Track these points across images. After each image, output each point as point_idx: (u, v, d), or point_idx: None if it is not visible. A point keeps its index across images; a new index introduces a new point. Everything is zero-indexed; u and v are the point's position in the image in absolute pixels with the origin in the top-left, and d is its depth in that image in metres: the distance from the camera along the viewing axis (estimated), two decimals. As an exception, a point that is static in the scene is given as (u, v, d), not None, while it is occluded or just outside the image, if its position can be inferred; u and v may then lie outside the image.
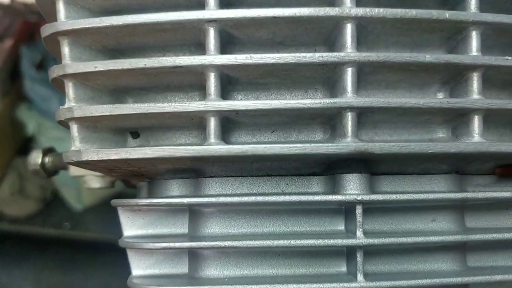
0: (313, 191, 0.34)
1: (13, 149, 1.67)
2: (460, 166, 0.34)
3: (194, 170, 0.33)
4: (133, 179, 0.42)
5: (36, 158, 0.50)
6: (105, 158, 0.30)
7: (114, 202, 0.35)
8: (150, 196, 0.36)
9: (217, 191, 0.34)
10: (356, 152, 0.30)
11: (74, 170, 0.50)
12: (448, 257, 0.34)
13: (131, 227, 0.35)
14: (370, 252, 0.33)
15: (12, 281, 1.68)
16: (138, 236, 0.35)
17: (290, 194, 0.33)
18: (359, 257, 0.31)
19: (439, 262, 0.34)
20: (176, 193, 0.34)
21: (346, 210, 0.34)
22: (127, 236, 0.35)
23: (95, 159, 0.30)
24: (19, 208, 1.60)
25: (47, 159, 0.51)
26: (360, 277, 0.31)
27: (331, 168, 0.33)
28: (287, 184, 0.34)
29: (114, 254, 2.03)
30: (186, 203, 0.32)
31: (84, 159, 0.30)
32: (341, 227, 0.34)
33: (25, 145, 1.67)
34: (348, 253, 0.34)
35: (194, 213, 0.34)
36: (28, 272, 1.70)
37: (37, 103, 1.54)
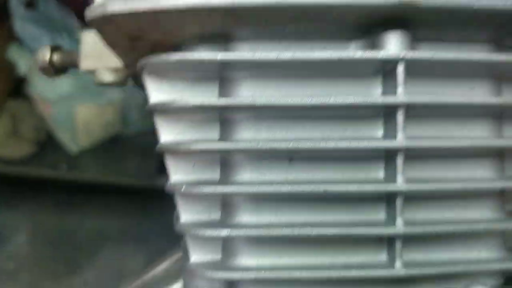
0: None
1: (5, 90, 1.65)
2: (500, 35, 0.33)
3: (223, 35, 0.33)
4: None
5: (44, 54, 0.49)
6: (134, 9, 0.29)
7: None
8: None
9: (248, 56, 0.32)
10: (400, 6, 0.29)
11: (85, 63, 0.48)
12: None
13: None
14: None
15: (7, 223, 1.68)
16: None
17: (324, 52, 0.31)
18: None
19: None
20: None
21: (385, 74, 0.33)
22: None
23: (123, 10, 0.29)
24: (13, 149, 1.59)
25: (55, 56, 0.49)
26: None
27: (370, 32, 0.32)
28: (323, 48, 0.33)
29: (110, 197, 2.07)
30: (219, 60, 0.31)
31: (110, 11, 0.29)
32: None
33: (17, 87, 1.64)
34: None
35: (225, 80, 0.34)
36: (23, 214, 1.70)
37: (28, 43, 1.51)
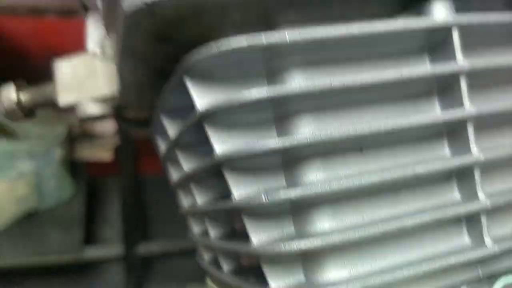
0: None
1: None
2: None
3: (267, 21, 0.29)
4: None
5: (8, 94, 0.41)
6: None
7: None
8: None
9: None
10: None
11: (64, 97, 0.41)
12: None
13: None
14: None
15: None
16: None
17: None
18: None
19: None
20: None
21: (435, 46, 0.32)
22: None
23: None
24: None
25: (23, 95, 0.41)
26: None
27: (414, 4, 0.31)
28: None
29: (34, 280, 1.87)
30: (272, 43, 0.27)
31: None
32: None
33: None
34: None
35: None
36: None
37: None
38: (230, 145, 0.29)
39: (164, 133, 0.38)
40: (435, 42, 0.32)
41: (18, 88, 0.41)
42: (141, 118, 0.43)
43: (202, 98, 0.29)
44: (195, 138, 0.33)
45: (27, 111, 0.41)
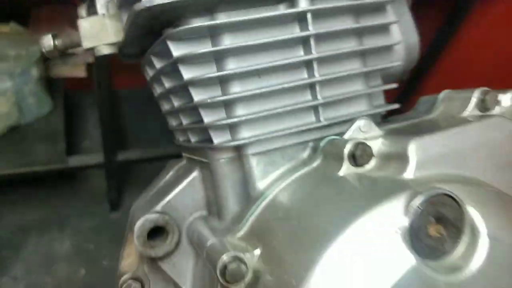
0: None
1: None
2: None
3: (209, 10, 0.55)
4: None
5: (48, 41, 0.66)
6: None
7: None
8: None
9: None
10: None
11: (86, 43, 0.66)
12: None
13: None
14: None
15: None
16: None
17: None
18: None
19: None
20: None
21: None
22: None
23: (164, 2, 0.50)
24: None
25: (58, 41, 0.66)
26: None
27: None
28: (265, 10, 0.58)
29: (24, 188, 2.12)
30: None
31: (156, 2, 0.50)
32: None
33: None
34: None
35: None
36: None
37: None
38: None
39: (151, 65, 0.64)
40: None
41: (54, 37, 0.67)
42: (135, 54, 0.69)
43: (176, 51, 0.56)
44: (171, 69, 0.59)
45: (61, 52, 0.67)
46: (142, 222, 0.59)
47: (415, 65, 0.70)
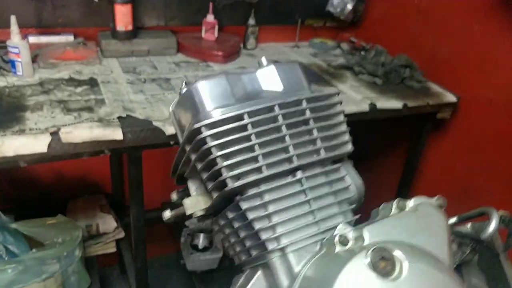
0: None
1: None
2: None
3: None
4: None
5: (167, 214, 1.22)
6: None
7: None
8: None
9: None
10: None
11: (189, 211, 1.21)
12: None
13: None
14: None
15: None
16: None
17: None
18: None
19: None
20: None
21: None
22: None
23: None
24: None
25: (171, 213, 1.22)
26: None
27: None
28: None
29: None
30: None
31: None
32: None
33: None
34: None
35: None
36: None
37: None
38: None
39: (224, 217, 1.20)
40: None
41: (170, 209, 1.24)
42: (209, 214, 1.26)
43: (244, 205, 1.13)
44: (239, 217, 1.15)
45: (175, 220, 1.23)
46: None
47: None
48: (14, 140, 1.61)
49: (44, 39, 2.55)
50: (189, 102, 1.12)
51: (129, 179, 2.37)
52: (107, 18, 2.62)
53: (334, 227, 1.10)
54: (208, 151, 1.06)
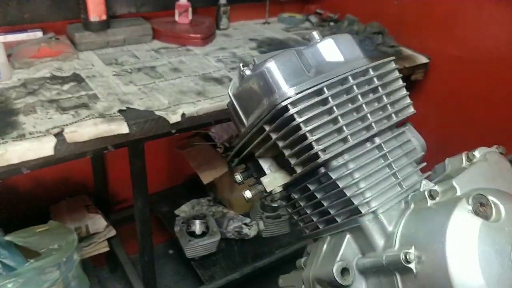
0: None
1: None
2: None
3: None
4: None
5: (247, 194, 1.23)
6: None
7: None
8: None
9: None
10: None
11: (269, 188, 1.23)
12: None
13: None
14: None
15: None
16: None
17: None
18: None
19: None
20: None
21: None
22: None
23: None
24: None
25: (250, 193, 1.23)
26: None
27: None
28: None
29: None
30: None
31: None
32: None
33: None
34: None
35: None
36: None
37: None
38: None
39: (306, 189, 1.24)
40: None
41: (249, 189, 1.25)
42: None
43: (333, 175, 1.17)
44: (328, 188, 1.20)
45: (256, 199, 1.24)
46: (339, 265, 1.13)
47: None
48: (17, 146, 1.54)
49: (11, 37, 2.37)
50: (262, 83, 1.13)
51: (132, 173, 2.31)
52: (76, 9, 2.49)
53: (413, 186, 1.17)
54: (297, 127, 1.08)
